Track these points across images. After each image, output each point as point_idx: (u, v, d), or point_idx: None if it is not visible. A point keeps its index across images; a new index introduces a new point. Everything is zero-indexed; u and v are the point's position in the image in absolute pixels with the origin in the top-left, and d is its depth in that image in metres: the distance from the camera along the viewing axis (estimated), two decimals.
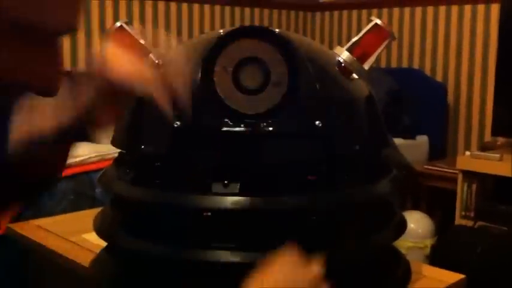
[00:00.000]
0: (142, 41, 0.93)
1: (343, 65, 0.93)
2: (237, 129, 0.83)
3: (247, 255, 0.83)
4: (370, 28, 0.96)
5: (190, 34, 3.84)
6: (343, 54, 0.94)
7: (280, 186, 0.86)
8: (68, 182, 2.35)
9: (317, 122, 0.84)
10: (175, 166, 0.88)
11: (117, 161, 1.01)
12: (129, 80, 0.68)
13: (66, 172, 2.37)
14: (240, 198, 0.83)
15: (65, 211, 2.15)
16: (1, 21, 0.46)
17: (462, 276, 1.07)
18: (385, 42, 0.96)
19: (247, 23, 4.12)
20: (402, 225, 0.97)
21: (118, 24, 0.93)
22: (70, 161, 2.70)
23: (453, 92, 3.75)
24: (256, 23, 4.19)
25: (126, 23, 0.94)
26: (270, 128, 0.83)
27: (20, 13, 0.47)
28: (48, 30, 0.50)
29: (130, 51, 0.92)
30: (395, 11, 4.01)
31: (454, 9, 3.71)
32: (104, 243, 1.01)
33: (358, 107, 0.93)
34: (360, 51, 0.95)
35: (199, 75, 0.82)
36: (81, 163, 2.46)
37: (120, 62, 0.69)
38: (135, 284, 0.92)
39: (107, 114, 0.71)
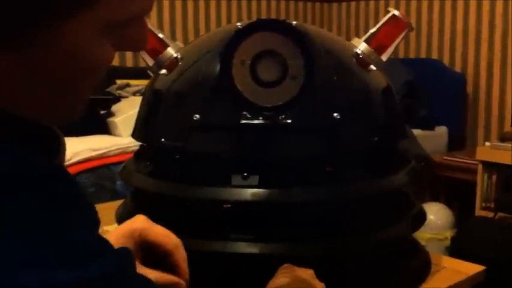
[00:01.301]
0: (161, 35, 0.94)
1: (360, 56, 0.93)
2: (255, 121, 0.83)
3: (266, 246, 0.84)
4: (388, 19, 0.96)
5: (207, 27, 3.85)
6: (361, 46, 0.94)
7: (299, 178, 0.86)
8: (88, 174, 2.37)
9: (335, 114, 0.85)
10: (194, 159, 0.89)
11: (138, 154, 1.02)
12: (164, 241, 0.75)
13: (87, 165, 2.40)
14: (259, 190, 0.83)
15: None
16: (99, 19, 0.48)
17: (482, 267, 1.06)
18: (403, 34, 0.96)
19: (263, 15, 4.11)
20: (421, 217, 0.97)
21: None
22: (91, 154, 2.72)
23: (472, 83, 3.72)
24: (273, 15, 4.18)
25: None
26: (288, 121, 0.83)
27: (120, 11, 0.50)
28: (134, 17, 0.52)
29: (149, 46, 0.93)
30: (413, 1, 3.99)
31: None
32: None
33: (375, 98, 0.93)
34: (377, 43, 0.95)
35: (218, 68, 0.83)
36: (102, 156, 2.48)
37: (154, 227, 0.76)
38: None
39: None
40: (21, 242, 0.42)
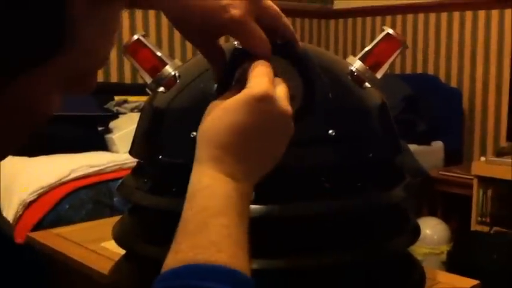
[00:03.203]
0: (159, 54, 0.95)
1: (355, 74, 0.95)
2: None
3: (263, 262, 0.85)
4: (383, 37, 0.98)
5: None
6: (356, 64, 0.95)
7: (296, 194, 0.87)
8: (86, 191, 2.38)
9: (330, 131, 0.86)
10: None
11: (135, 170, 1.03)
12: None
13: (85, 181, 2.41)
14: (256, 206, 0.84)
15: (83, 220, 2.18)
16: None
17: (476, 282, 1.07)
18: (398, 52, 0.98)
19: None
20: (416, 232, 0.98)
21: (135, 37, 0.95)
22: (88, 170, 2.74)
23: (468, 98, 3.75)
24: None
25: (144, 36, 0.96)
26: None
27: None
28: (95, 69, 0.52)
29: (147, 64, 0.94)
30: (409, 17, 4.02)
31: (468, 15, 3.71)
32: (122, 251, 1.03)
33: (371, 115, 0.94)
34: (372, 61, 0.96)
35: (215, 89, 0.84)
36: (99, 172, 2.49)
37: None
38: None
39: None
40: None
